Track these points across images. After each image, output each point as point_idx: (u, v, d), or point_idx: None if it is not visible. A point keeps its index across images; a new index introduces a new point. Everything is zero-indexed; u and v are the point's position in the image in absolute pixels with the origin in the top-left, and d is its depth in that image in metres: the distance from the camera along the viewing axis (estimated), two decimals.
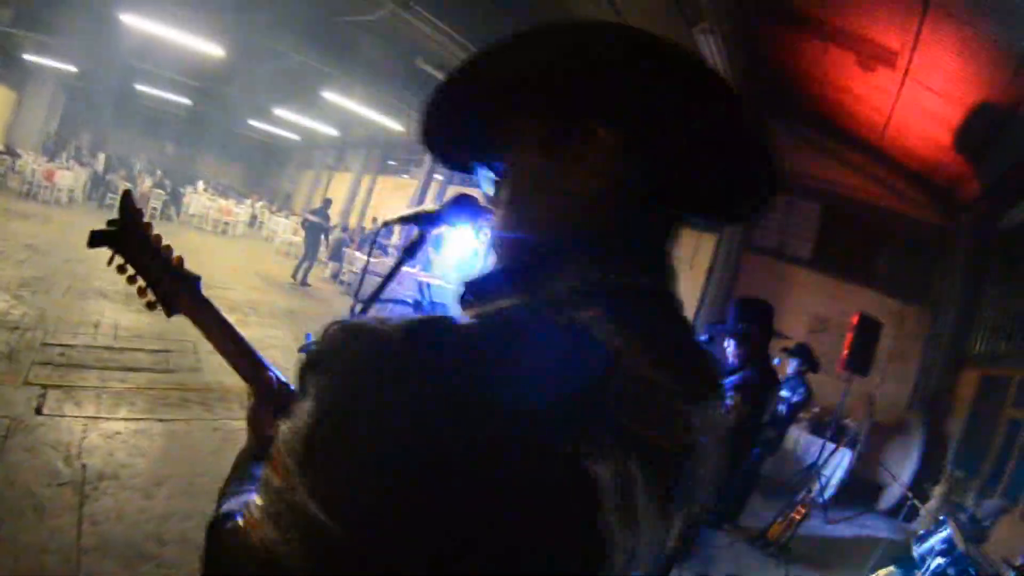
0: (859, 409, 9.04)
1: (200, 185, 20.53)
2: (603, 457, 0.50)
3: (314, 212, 14.17)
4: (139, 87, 21.31)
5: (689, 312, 10.81)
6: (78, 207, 14.48)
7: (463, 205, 1.08)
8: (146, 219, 1.24)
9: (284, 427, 0.52)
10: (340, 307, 11.11)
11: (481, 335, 0.55)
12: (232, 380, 5.12)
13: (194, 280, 1.24)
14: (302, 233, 16.64)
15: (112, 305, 6.69)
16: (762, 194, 0.76)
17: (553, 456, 0.49)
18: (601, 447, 0.50)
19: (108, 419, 4.00)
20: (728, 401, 3.13)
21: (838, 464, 7.92)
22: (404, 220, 1.19)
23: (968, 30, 5.93)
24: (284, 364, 4.69)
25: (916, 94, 7.57)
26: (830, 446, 7.49)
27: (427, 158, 18.46)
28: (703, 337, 4.09)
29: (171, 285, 1.22)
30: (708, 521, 4.19)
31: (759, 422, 3.43)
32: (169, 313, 1.23)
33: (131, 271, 1.22)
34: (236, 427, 4.50)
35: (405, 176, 20.69)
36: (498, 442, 0.48)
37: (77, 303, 6.50)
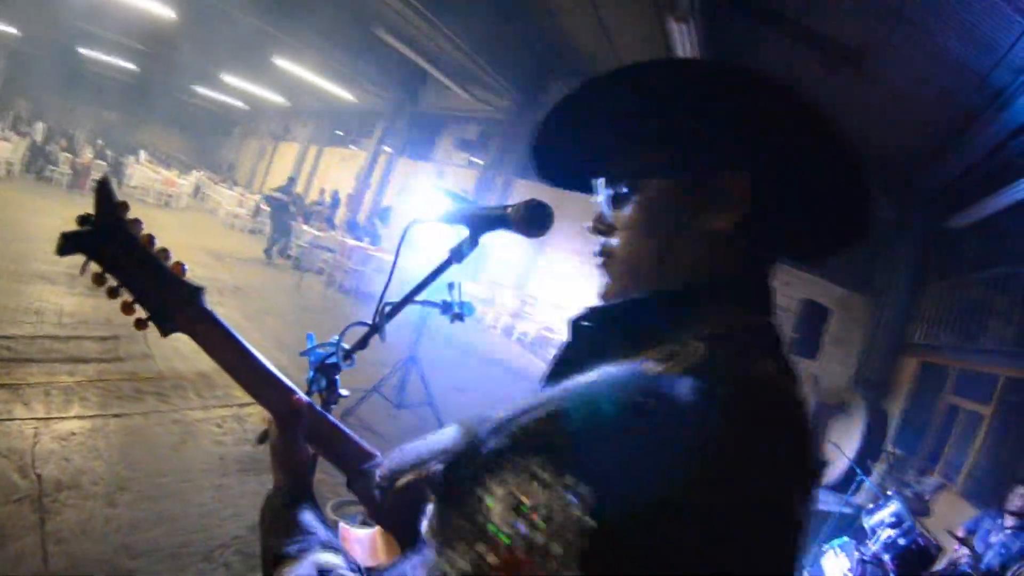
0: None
1: (143, 155, 19.67)
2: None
3: (279, 189, 13.94)
4: (83, 51, 20.33)
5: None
6: (16, 180, 13.71)
7: (537, 215, 0.93)
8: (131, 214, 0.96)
9: (525, 501, 0.44)
10: (288, 281, 10.88)
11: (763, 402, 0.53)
12: (185, 366, 5.08)
13: (195, 291, 0.99)
14: (248, 205, 16.17)
15: (54, 288, 6.23)
16: (857, 241, 0.77)
17: (794, 505, 0.51)
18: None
19: (60, 419, 3.77)
20: None
21: None
22: (454, 219, 1.04)
23: (935, 43, 6.21)
24: None
25: (879, 97, 7.88)
26: None
27: (377, 130, 18.15)
28: None
29: (165, 298, 0.97)
30: None
31: None
32: (165, 332, 0.99)
33: (112, 282, 0.96)
34: (196, 418, 4.42)
35: (353, 148, 20.34)
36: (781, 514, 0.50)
37: (16, 288, 6.02)
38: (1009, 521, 4.44)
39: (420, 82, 16.89)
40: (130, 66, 21.96)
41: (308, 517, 0.88)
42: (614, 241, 0.76)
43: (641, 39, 9.50)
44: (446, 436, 0.76)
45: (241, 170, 26.07)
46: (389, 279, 1.16)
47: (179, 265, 0.99)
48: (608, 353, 0.60)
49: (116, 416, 4.05)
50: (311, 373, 1.13)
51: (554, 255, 12.92)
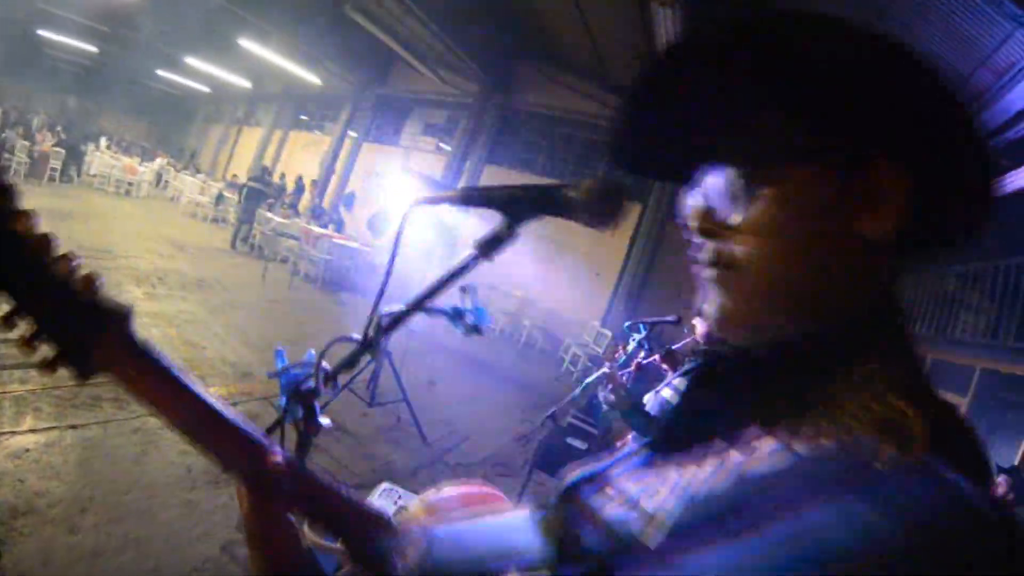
0: None
1: (103, 142, 19.05)
2: None
3: (255, 179, 13.64)
4: (42, 33, 19.56)
5: (610, 280, 10.94)
6: None
7: (614, 197, 0.67)
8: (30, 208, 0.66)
9: None
10: (252, 271, 10.57)
11: None
12: None
13: (118, 317, 0.71)
14: (211, 192, 15.79)
15: None
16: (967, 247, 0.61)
17: None
18: None
19: (12, 434, 3.50)
20: None
21: None
22: (478, 201, 0.79)
23: (918, 43, 6.13)
24: (199, 342, 5.57)
25: None
26: None
27: (342, 114, 17.83)
28: (671, 319, 4.24)
29: (76, 328, 0.68)
30: None
31: None
32: (83, 375, 0.69)
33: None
34: (157, 425, 4.04)
35: (318, 132, 20.00)
36: None
37: None
38: None
39: (388, 65, 16.64)
40: (91, 48, 21.22)
41: None
42: (737, 249, 0.57)
43: (619, 22, 9.40)
44: (504, 529, 0.74)
45: (204, 156, 25.41)
46: (385, 283, 0.94)
47: (89, 280, 0.69)
48: (757, 410, 0.52)
49: (72, 428, 3.79)
50: (283, 399, 0.92)
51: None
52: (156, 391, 0.73)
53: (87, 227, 9.81)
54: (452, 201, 0.80)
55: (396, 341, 5.59)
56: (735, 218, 0.58)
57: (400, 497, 2.80)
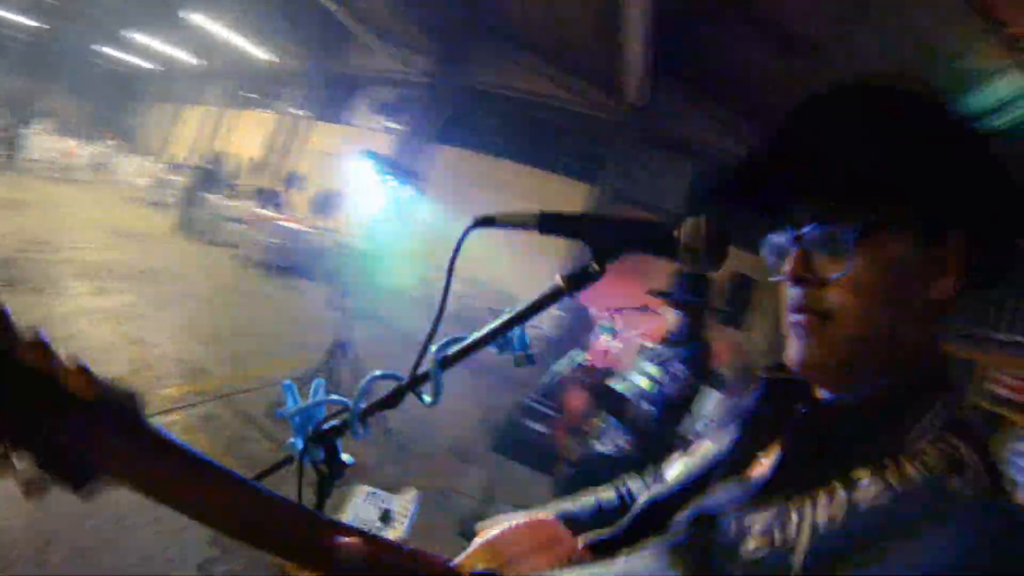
0: (726, 355, 9.71)
1: (43, 124, 18.34)
2: None
3: (203, 161, 13.51)
4: None
5: (559, 258, 11.08)
6: None
7: (722, 241, 0.68)
8: None
9: None
10: (199, 258, 10.18)
11: None
12: (95, 370, 4.50)
13: (121, 406, 0.60)
14: (155, 176, 15.44)
15: None
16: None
17: None
18: None
19: None
20: (676, 374, 3.18)
21: (707, 403, 8.67)
22: (561, 229, 0.77)
23: (889, 44, 6.96)
24: (148, 339, 5.25)
25: (821, 83, 8.41)
26: (706, 389, 8.34)
27: (290, 91, 17.46)
28: (639, 308, 4.19)
29: (71, 435, 0.57)
30: None
31: (696, 391, 3.45)
32: (78, 488, 0.58)
33: None
34: None
35: (265, 111, 19.47)
36: None
37: None
38: None
39: (340, 41, 16.28)
40: (31, 22, 20.34)
41: None
42: (832, 300, 0.67)
43: (583, 2, 9.41)
44: (636, 569, 0.71)
45: (148, 138, 24.53)
46: (441, 310, 0.85)
47: (80, 374, 0.56)
48: (856, 452, 0.61)
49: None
50: (298, 440, 0.82)
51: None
52: (193, 486, 0.64)
53: (24, 217, 9.40)
54: (527, 226, 0.77)
55: (346, 326, 5.59)
56: (833, 271, 0.67)
57: (384, 500, 2.78)
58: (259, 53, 16.46)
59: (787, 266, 0.71)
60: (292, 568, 0.68)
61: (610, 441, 3.41)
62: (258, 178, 16.77)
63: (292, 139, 17.33)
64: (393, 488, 4.54)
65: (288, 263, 11.45)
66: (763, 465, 0.77)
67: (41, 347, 0.55)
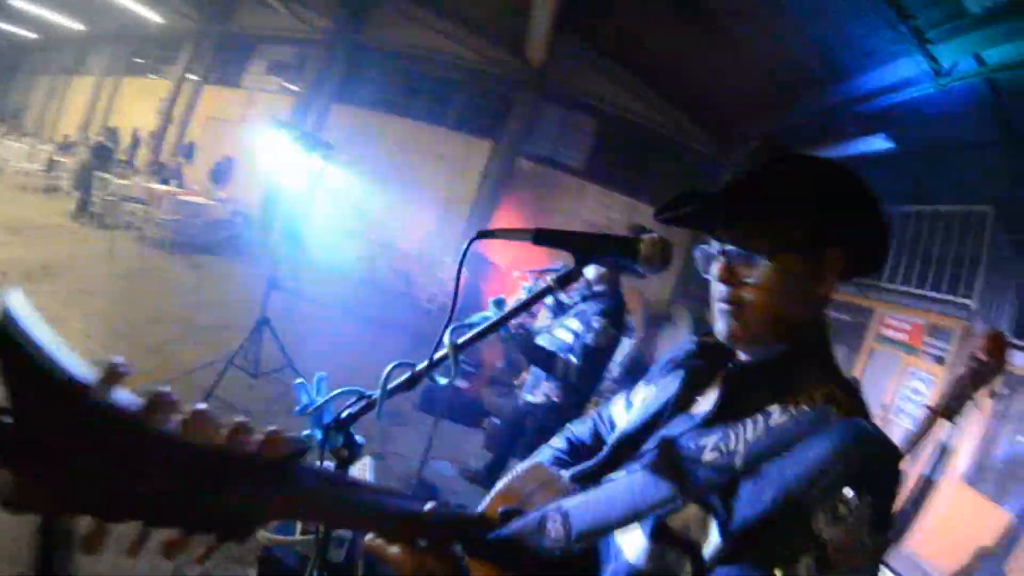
0: (633, 304, 10.31)
1: None
2: None
3: (99, 138, 12.55)
4: None
5: (461, 215, 11.09)
6: None
7: (669, 254, 1.03)
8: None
9: (856, 537, 0.78)
10: (98, 246, 9.57)
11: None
12: None
13: (290, 458, 0.66)
14: (40, 159, 14.17)
15: None
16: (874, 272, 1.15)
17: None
18: None
19: None
20: (596, 326, 3.45)
21: (620, 350, 9.08)
22: (549, 242, 1.01)
23: (799, 19, 7.64)
24: (66, 344, 3.96)
25: (726, 53, 9.13)
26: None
27: (182, 55, 16.58)
28: (558, 268, 4.45)
29: (240, 495, 0.61)
30: None
31: (617, 344, 3.77)
32: (244, 537, 0.63)
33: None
34: None
35: (155, 77, 18.19)
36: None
37: None
38: None
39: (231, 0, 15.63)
40: None
41: None
42: (746, 295, 1.00)
43: None
44: (621, 487, 1.00)
45: (30, 116, 22.36)
46: (453, 308, 1.05)
47: (275, 442, 0.64)
48: (768, 394, 0.95)
49: None
50: (315, 431, 0.98)
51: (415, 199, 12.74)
52: (338, 510, 0.78)
53: None
54: (523, 238, 1.02)
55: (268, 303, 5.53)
56: (749, 277, 0.99)
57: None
58: (149, 14, 15.50)
59: (715, 270, 1.04)
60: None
61: (540, 393, 3.75)
62: (154, 151, 16.04)
63: (188, 107, 16.51)
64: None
65: (188, 239, 11.11)
66: (702, 404, 1.09)
67: (200, 419, 0.59)
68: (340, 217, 12.54)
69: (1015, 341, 6.29)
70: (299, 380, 1.03)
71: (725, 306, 1.02)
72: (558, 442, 1.48)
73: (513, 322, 3.56)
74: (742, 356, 1.07)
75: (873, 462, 0.83)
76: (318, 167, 5.71)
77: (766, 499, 0.82)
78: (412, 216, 12.34)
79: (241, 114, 15.16)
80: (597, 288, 3.70)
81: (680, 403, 1.13)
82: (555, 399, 3.67)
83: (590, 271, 3.67)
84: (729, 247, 1.02)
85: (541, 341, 3.66)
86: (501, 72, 12.45)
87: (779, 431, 0.88)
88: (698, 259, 1.10)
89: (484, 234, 1.03)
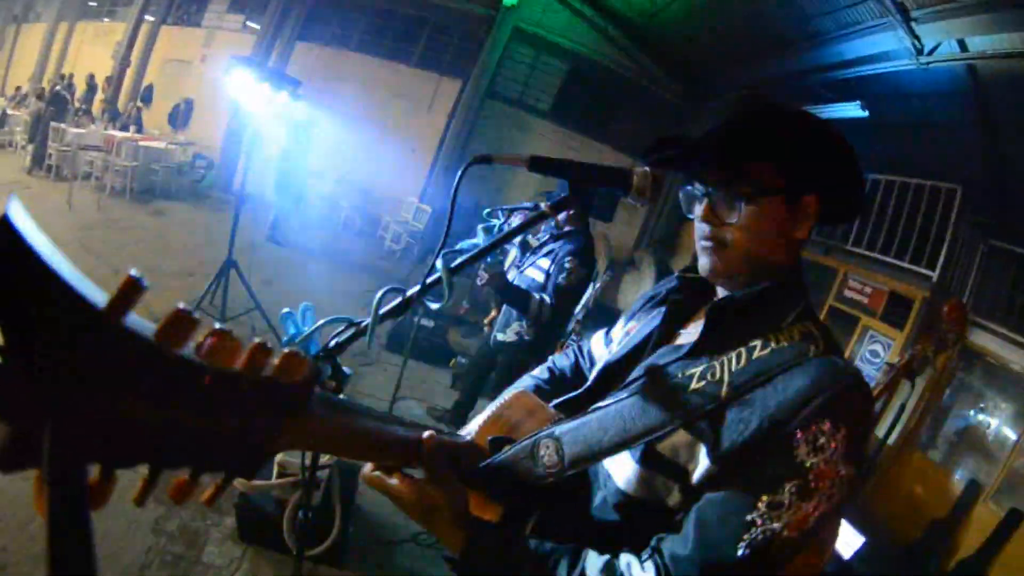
0: (599, 245, 10.42)
1: None
2: None
3: (54, 88, 11.88)
4: None
5: (428, 156, 10.76)
6: None
7: (658, 188, 1.06)
8: None
9: (840, 472, 0.88)
10: (56, 198, 9.22)
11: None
12: None
13: (303, 385, 0.61)
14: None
15: None
16: (850, 220, 1.42)
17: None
18: None
19: None
20: (567, 265, 3.56)
21: (584, 294, 9.24)
22: (546, 169, 1.06)
23: None
24: None
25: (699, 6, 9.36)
26: None
27: None
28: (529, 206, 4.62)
29: (255, 416, 0.58)
30: None
31: (587, 284, 3.94)
32: (254, 468, 0.61)
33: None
34: None
35: (109, 20, 17.40)
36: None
37: None
38: None
39: None
40: None
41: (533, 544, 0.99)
42: (728, 235, 1.06)
43: None
44: (611, 413, 1.04)
45: None
46: (449, 225, 1.04)
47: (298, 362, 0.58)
48: (750, 331, 1.03)
49: None
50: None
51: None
52: (343, 438, 0.78)
53: None
54: (520, 165, 1.06)
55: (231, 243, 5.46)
56: (731, 218, 1.05)
57: None
58: None
59: (698, 210, 1.10)
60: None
61: (511, 332, 3.86)
62: (111, 97, 15.48)
63: (145, 50, 15.86)
64: None
65: (148, 186, 10.98)
66: (684, 336, 1.17)
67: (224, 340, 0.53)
68: (306, 156, 12.33)
69: (973, 317, 6.50)
70: (286, 310, 1.04)
71: (708, 243, 1.09)
72: (539, 372, 1.53)
73: (486, 260, 3.69)
74: (722, 292, 1.15)
75: (849, 396, 0.91)
76: (285, 105, 5.54)
77: (752, 426, 0.90)
78: (377, 156, 12.15)
79: (200, 54, 14.71)
80: (567, 228, 3.79)
81: (664, 335, 1.21)
82: (526, 337, 3.79)
83: (560, 215, 3.74)
84: (712, 189, 1.08)
85: (511, 278, 3.76)
86: (469, 10, 12.20)
87: (761, 363, 0.96)
88: (682, 199, 1.16)
89: (480, 159, 1.03)
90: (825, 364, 0.94)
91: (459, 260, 1.09)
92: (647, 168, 1.05)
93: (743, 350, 1.00)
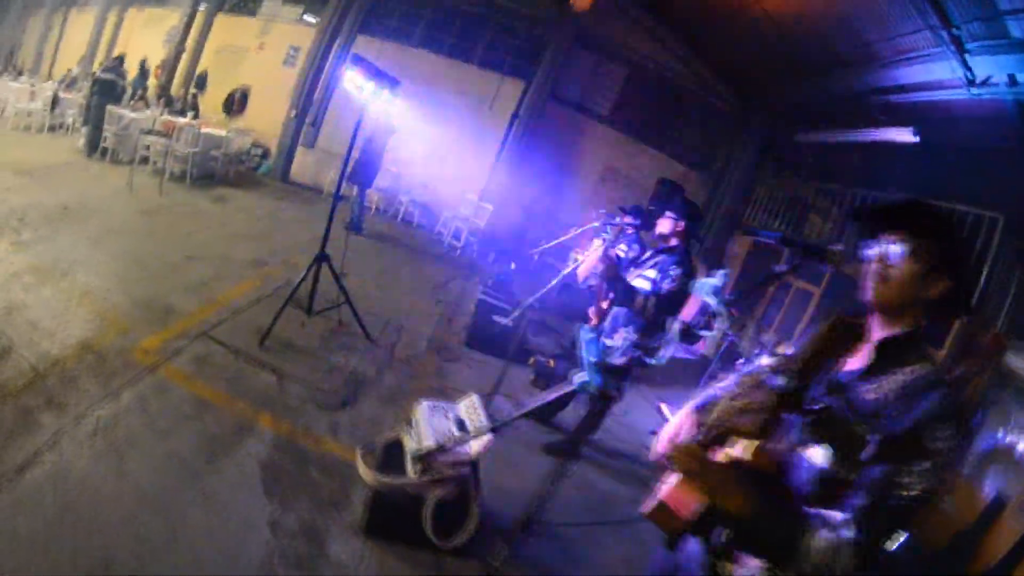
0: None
1: None
2: None
3: (107, 70, 11.55)
4: None
5: (490, 154, 11.91)
6: None
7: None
8: None
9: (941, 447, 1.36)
10: (116, 182, 9.15)
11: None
12: (56, 343, 4.17)
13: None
14: (43, 96, 13.08)
15: None
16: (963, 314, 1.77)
17: None
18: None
19: None
20: (672, 273, 4.05)
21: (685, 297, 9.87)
22: (791, 246, 1.88)
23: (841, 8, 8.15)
24: (98, 287, 5.02)
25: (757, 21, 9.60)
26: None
27: None
28: (631, 210, 5.36)
29: None
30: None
31: (687, 292, 4.17)
32: None
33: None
34: (113, 413, 3.41)
35: (161, 7, 17.14)
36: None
37: None
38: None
39: None
40: None
41: None
42: (886, 282, 1.54)
43: None
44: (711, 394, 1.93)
45: (25, 54, 21.14)
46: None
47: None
48: (903, 359, 1.51)
49: (20, 471, 2.79)
50: (595, 377, 2.05)
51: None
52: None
53: None
54: (772, 240, 2.10)
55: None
56: (893, 272, 1.53)
57: (448, 410, 3.23)
58: None
59: (873, 261, 1.56)
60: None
61: (619, 337, 4.31)
62: (163, 82, 15.50)
63: (195, 36, 15.81)
64: (403, 396, 4.80)
65: (207, 172, 11.04)
66: (852, 363, 1.63)
67: None
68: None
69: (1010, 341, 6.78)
70: (591, 335, 1.69)
71: (872, 284, 1.57)
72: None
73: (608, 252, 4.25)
74: (875, 329, 1.62)
75: (957, 410, 1.41)
76: (388, 104, 5.55)
77: (906, 423, 1.38)
78: (437, 152, 12.27)
79: (258, 43, 14.73)
80: (673, 243, 4.25)
81: (830, 361, 1.70)
82: (630, 339, 4.20)
83: (666, 225, 4.26)
84: (885, 250, 1.56)
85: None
86: (532, 12, 12.29)
87: (912, 383, 1.45)
88: (862, 252, 1.61)
89: (748, 231, 2.03)
90: (945, 389, 1.42)
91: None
92: (840, 248, 1.80)
93: (899, 373, 1.49)
